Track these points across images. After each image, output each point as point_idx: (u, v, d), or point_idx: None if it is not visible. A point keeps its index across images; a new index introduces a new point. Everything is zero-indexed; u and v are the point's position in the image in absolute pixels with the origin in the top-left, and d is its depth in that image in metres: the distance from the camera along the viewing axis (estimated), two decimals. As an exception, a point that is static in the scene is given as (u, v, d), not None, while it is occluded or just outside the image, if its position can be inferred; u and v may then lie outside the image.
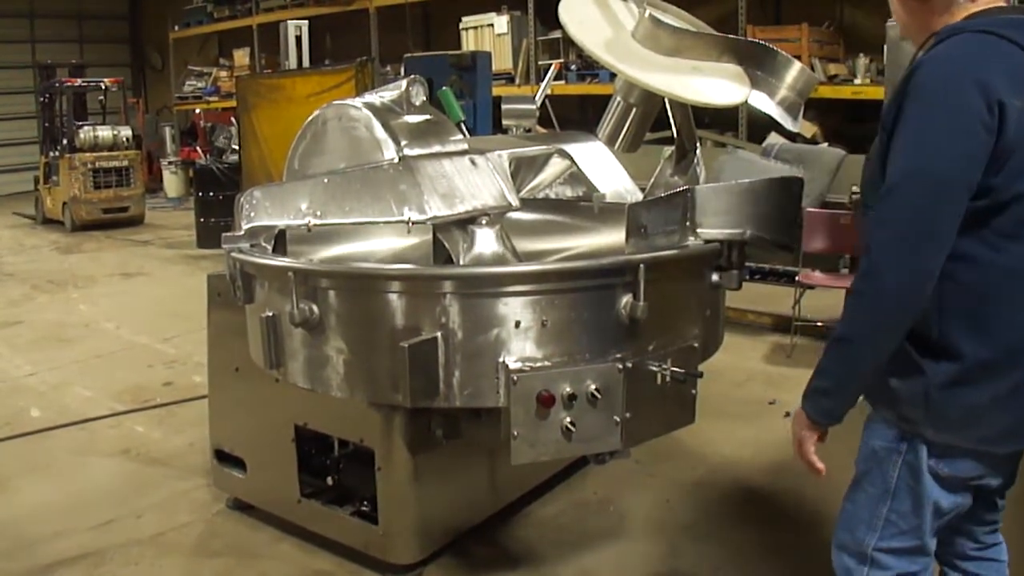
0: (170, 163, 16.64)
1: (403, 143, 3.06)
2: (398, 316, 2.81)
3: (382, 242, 3.88)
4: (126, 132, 14.08)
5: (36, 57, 18.29)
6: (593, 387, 2.69)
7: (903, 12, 2.22)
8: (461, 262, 2.97)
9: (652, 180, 3.87)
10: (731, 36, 3.24)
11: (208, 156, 13.34)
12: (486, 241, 2.97)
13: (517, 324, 2.73)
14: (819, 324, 6.78)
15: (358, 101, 3.22)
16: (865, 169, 2.24)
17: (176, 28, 18.34)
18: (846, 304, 2.10)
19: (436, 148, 3.14)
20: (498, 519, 3.98)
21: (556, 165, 3.97)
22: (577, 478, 4.42)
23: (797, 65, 3.11)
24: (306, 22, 10.62)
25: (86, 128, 13.76)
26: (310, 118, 3.31)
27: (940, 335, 2.04)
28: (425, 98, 3.27)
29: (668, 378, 2.78)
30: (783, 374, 6.10)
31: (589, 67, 11.26)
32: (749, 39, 3.29)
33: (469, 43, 12.42)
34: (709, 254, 3.00)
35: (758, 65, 3.08)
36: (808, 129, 9.44)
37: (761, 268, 7.73)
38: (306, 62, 10.45)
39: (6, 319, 8.30)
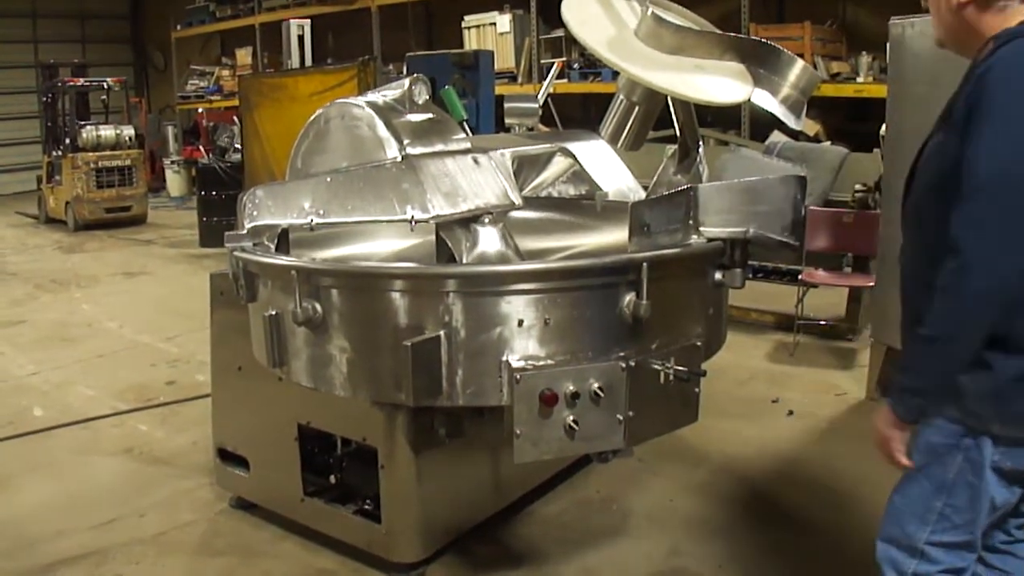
0: (173, 162, 16.67)
1: (406, 142, 3.05)
2: (401, 315, 2.81)
3: (384, 243, 3.88)
4: (129, 131, 14.08)
5: (39, 57, 18.29)
6: (596, 386, 2.69)
7: (951, 17, 2.22)
8: (464, 261, 2.97)
9: (655, 179, 3.87)
10: (734, 34, 3.23)
11: (211, 155, 13.34)
12: (489, 240, 2.97)
13: (520, 323, 2.72)
14: (822, 323, 6.79)
15: (361, 100, 3.22)
16: (925, 163, 2.26)
17: (178, 27, 18.35)
18: (934, 302, 2.10)
19: (439, 147, 3.13)
20: (501, 518, 3.97)
21: (559, 163, 3.97)
22: (580, 477, 4.42)
23: (800, 63, 3.10)
24: (308, 21, 10.63)
25: (89, 127, 13.77)
26: (313, 117, 3.30)
27: (1009, 331, 2.08)
28: (428, 97, 3.26)
29: (671, 377, 2.78)
30: (786, 373, 6.10)
31: (592, 66, 11.26)
32: (752, 37, 3.29)
33: (471, 42, 12.43)
34: (712, 252, 3.00)
35: (761, 63, 3.08)
36: (811, 127, 9.44)
37: (764, 266, 7.72)
38: (308, 61, 10.46)
39: (9, 318, 8.31)
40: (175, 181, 16.58)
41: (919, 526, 2.28)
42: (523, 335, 2.73)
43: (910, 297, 2.33)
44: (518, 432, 2.69)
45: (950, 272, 2.04)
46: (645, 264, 2.71)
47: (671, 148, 3.89)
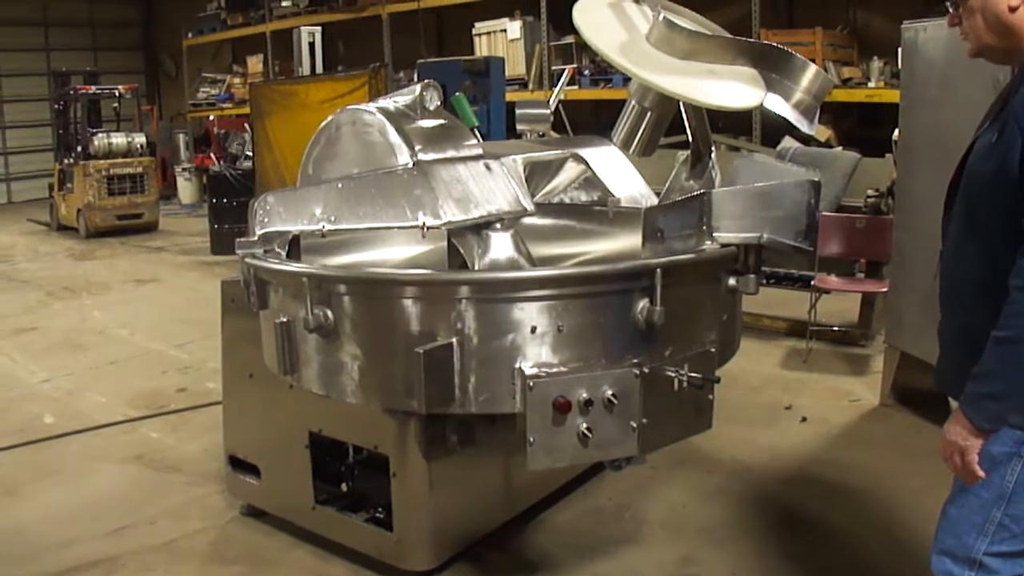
0: (184, 170, 16.72)
1: (417, 148, 3.04)
2: (413, 321, 2.80)
3: (396, 250, 3.87)
4: (140, 139, 14.14)
5: (51, 65, 18.40)
6: (609, 393, 2.67)
7: (1004, 22, 2.19)
8: (476, 267, 2.96)
9: (667, 184, 3.85)
10: (746, 39, 3.22)
11: (222, 162, 13.38)
12: (501, 246, 2.96)
13: (533, 329, 2.71)
14: (835, 329, 6.76)
15: (372, 106, 3.21)
16: (978, 162, 2.22)
17: (189, 35, 18.41)
18: (1012, 301, 2.05)
19: (450, 153, 3.12)
20: (513, 525, 3.96)
21: (570, 169, 3.96)
22: (593, 484, 4.40)
23: (813, 68, 3.08)
24: (319, 28, 10.67)
25: (100, 135, 13.82)
26: (324, 123, 3.30)
27: None
28: (439, 103, 3.25)
29: (685, 383, 2.76)
30: (799, 379, 6.07)
31: (603, 72, 11.26)
32: (764, 42, 3.26)
33: (482, 48, 12.43)
34: (726, 258, 2.98)
35: (773, 68, 3.06)
36: (822, 133, 9.41)
37: (776, 272, 7.70)
38: (319, 68, 10.49)
39: (21, 325, 8.33)
40: (186, 188, 16.64)
41: (977, 537, 2.25)
42: (536, 342, 2.72)
43: (963, 301, 2.29)
44: (531, 439, 2.68)
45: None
46: (659, 270, 2.69)
47: (683, 154, 3.88)
